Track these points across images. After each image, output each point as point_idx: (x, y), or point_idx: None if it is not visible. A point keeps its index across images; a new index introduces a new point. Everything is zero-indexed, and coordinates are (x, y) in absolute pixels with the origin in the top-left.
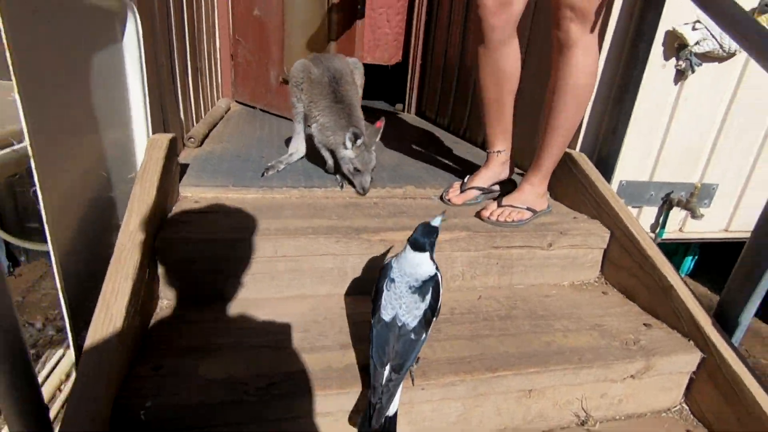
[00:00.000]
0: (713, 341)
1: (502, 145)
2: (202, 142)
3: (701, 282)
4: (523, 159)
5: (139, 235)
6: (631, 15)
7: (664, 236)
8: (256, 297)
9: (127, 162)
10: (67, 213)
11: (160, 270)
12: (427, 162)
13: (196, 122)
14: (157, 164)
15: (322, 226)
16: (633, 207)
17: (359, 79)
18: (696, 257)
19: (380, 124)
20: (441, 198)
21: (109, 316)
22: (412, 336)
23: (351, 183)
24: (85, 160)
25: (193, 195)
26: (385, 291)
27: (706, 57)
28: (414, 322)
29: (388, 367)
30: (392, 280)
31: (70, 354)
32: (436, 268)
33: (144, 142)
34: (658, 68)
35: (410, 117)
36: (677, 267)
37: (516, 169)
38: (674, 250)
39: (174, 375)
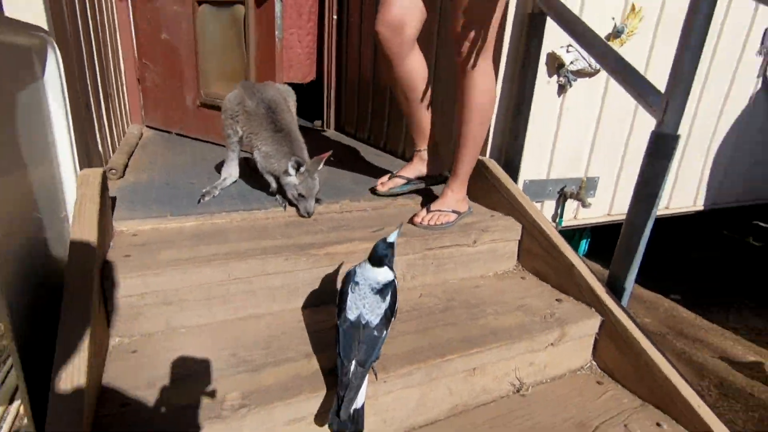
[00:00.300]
0: (608, 306)
1: (422, 145)
2: (123, 173)
3: (595, 260)
4: (442, 169)
5: (85, 275)
6: (519, 42)
7: (563, 224)
8: (212, 321)
9: (57, 201)
10: (10, 260)
11: (110, 307)
12: (356, 175)
13: (113, 152)
14: (92, 201)
15: (269, 246)
16: (536, 202)
17: (293, 106)
18: (589, 239)
19: (325, 156)
20: (371, 190)
21: (71, 358)
22: (375, 333)
23: (295, 206)
24: (19, 202)
25: (129, 229)
26: (350, 293)
27: (579, 74)
28: (376, 320)
29: (354, 362)
30: (356, 283)
31: None
32: (394, 275)
33: (72, 178)
34: (544, 84)
35: (331, 133)
36: (575, 249)
37: None
38: (571, 236)
39: (144, 408)
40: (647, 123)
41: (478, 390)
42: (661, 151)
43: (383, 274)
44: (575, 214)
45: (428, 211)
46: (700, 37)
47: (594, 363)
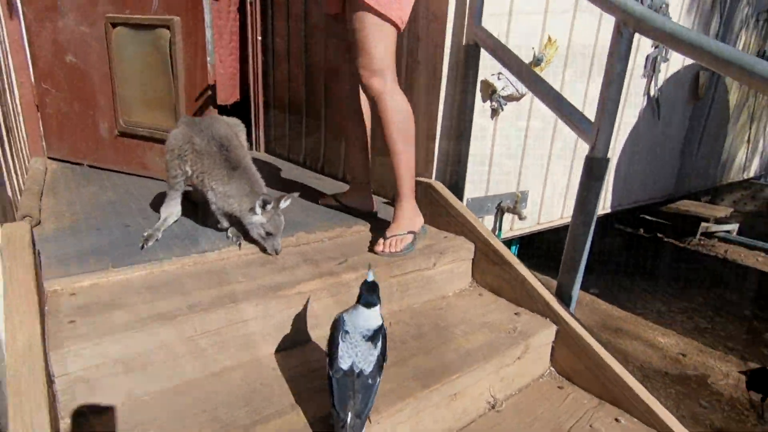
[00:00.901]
0: (561, 315)
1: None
2: (39, 219)
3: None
4: (386, 193)
5: (31, 354)
6: (456, 71)
7: (502, 236)
8: (181, 382)
9: None
10: None
11: (59, 386)
12: (302, 203)
13: (20, 194)
14: (25, 263)
15: (235, 291)
16: (478, 218)
17: (243, 140)
18: (517, 246)
19: (290, 196)
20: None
21: None
22: (369, 381)
23: (256, 243)
24: None
25: (64, 287)
26: (341, 342)
27: (509, 98)
28: (370, 367)
29: (350, 414)
30: (346, 332)
31: None
32: (382, 319)
33: None
34: (479, 109)
35: (261, 155)
36: None
37: (382, 199)
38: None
39: None
40: (564, 139)
41: (459, 413)
42: (594, 172)
43: (374, 318)
44: (511, 226)
45: (385, 238)
46: (621, 73)
47: (553, 369)
